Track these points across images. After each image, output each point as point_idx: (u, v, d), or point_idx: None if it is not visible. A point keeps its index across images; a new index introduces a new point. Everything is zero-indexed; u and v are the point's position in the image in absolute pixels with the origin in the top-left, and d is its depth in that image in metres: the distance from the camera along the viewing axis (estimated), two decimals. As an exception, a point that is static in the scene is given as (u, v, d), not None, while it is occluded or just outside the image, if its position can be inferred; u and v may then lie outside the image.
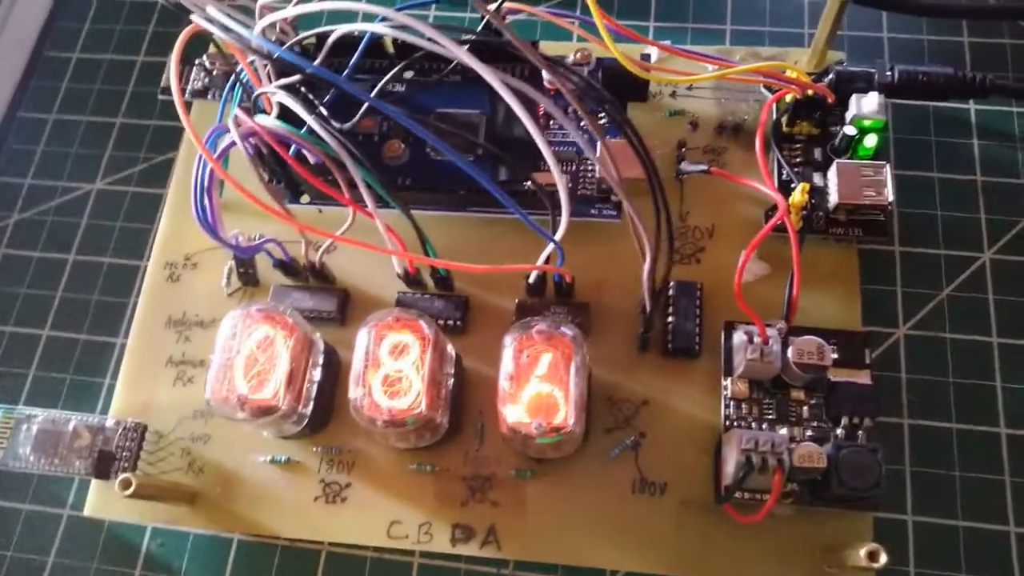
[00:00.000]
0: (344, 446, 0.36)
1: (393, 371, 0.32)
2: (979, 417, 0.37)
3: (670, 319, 0.36)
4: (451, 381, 0.34)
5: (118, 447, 0.36)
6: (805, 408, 0.34)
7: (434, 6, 0.45)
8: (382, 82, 0.37)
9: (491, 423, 0.36)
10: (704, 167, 0.39)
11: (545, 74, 0.34)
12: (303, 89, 0.33)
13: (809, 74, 0.39)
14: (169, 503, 0.35)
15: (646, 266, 0.32)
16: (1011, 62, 0.43)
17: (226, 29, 0.30)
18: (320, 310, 0.38)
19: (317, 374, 0.35)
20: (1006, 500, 0.36)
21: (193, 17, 0.31)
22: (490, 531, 0.35)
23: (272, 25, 0.31)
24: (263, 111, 0.33)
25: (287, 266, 0.38)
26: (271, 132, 0.32)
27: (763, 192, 0.36)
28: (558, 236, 0.33)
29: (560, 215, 0.32)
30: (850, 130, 0.37)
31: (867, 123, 0.36)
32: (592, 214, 0.38)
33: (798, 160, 0.39)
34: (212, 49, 0.42)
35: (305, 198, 0.39)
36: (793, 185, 0.37)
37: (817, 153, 0.39)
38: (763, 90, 0.40)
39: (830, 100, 0.38)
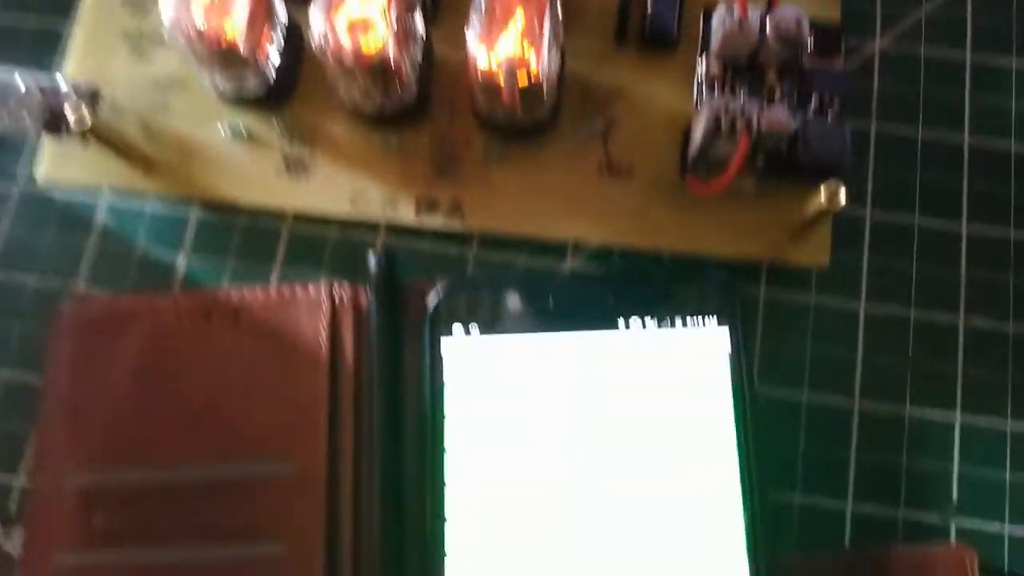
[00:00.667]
0: (307, 123, 0.36)
1: (359, 14, 0.31)
2: (945, 126, 0.37)
3: (649, 6, 0.35)
4: (421, 42, 0.33)
5: (70, 108, 0.34)
6: (777, 91, 0.34)
7: None
8: None
9: (461, 104, 0.35)
10: None
11: None
12: None
13: None
14: (125, 161, 0.34)
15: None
16: None
17: None
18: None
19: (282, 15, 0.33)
20: (961, 203, 0.36)
21: None
22: (455, 205, 0.34)
23: None
24: None
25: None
26: None
27: None
28: None
29: None
30: None
31: None
32: None
33: None
34: None
35: None
36: None
37: None
38: None
39: None
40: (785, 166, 0.33)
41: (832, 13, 0.36)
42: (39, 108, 0.33)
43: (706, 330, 0.31)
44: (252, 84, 0.33)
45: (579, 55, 0.36)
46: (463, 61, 0.32)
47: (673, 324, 0.31)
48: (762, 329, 0.34)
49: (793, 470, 0.33)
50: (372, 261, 0.32)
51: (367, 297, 0.33)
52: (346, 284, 0.33)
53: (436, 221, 0.34)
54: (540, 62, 0.30)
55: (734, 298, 0.31)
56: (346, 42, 0.30)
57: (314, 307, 0.33)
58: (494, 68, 0.30)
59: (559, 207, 0.34)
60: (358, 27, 0.31)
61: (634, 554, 0.29)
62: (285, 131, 0.35)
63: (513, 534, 0.29)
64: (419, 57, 0.33)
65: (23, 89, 0.33)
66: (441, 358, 0.31)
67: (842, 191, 0.29)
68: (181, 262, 0.36)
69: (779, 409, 0.33)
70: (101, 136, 0.32)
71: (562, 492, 0.29)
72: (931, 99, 0.37)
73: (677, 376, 0.30)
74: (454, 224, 0.34)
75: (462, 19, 0.32)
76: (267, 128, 0.35)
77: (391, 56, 0.31)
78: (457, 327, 0.31)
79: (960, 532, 0.32)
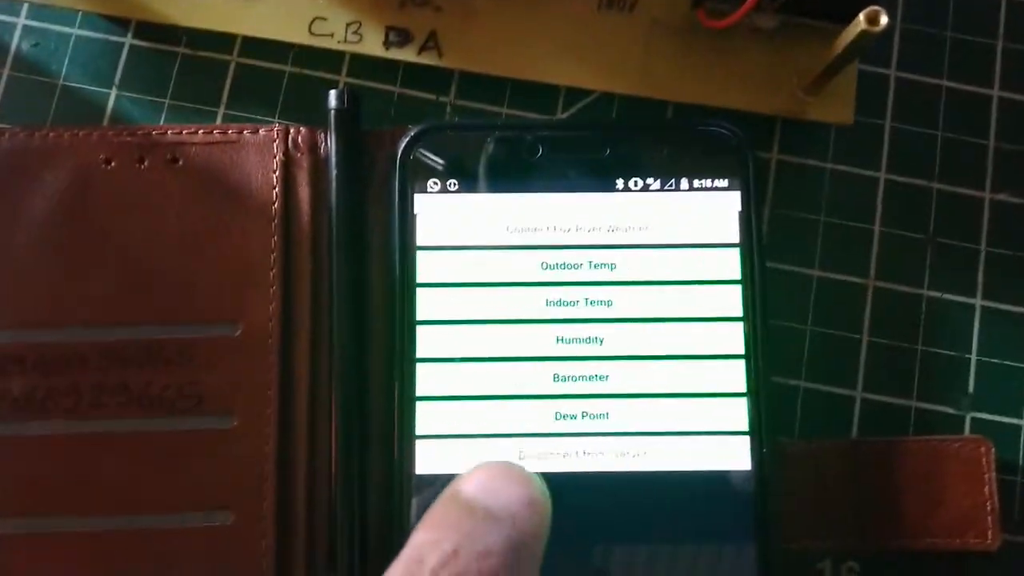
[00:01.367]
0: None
1: None
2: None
3: None
4: None
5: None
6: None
7: None
8: None
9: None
10: None
11: None
12: None
13: None
14: None
15: None
16: None
17: None
18: None
19: None
20: (995, 65, 0.32)
21: None
22: (431, 36, 0.29)
23: None
24: None
25: None
26: None
27: None
28: None
29: None
30: None
31: None
32: None
33: None
34: None
35: None
36: None
37: None
38: None
39: None
40: (808, 2, 0.28)
41: None
42: None
43: (714, 193, 0.27)
44: None
45: None
46: None
47: (678, 186, 0.27)
48: (772, 197, 0.30)
49: (800, 353, 0.29)
50: (332, 98, 0.28)
51: (326, 142, 0.28)
52: (303, 127, 0.28)
53: (408, 55, 0.29)
54: None
55: (747, 157, 0.27)
56: None
57: (265, 150, 0.28)
58: None
59: (551, 44, 0.29)
60: None
61: (629, 429, 0.26)
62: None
63: (492, 416, 0.25)
64: None
65: None
66: (414, 217, 0.26)
67: (883, 17, 0.24)
68: (111, 98, 0.30)
69: (787, 286, 0.30)
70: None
71: (547, 368, 0.26)
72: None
73: (680, 243, 0.27)
74: (429, 60, 0.29)
75: None
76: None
77: None
78: (432, 183, 0.27)
79: (976, 426, 0.29)
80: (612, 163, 0.27)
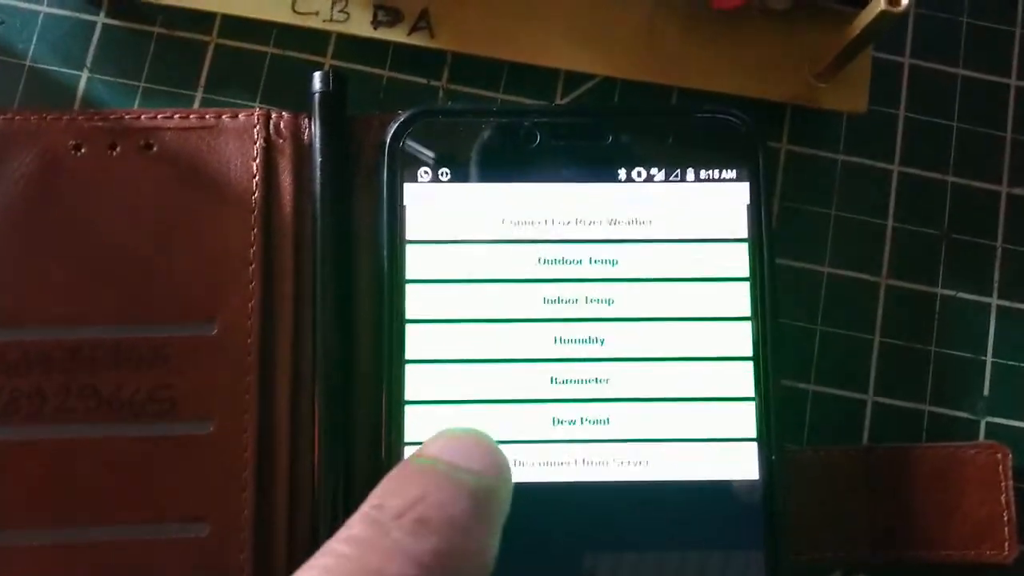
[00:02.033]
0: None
1: None
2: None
3: None
4: None
5: None
6: None
7: None
8: None
9: None
10: None
11: None
12: None
13: None
14: None
15: None
16: None
17: None
18: None
19: None
20: (1012, 54, 0.31)
21: None
22: (422, 15, 0.28)
23: None
24: None
25: None
26: None
27: None
28: None
29: None
30: None
31: None
32: None
33: None
34: None
35: None
36: None
37: None
38: None
39: None
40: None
41: None
42: None
43: (722, 185, 0.25)
44: None
45: None
46: None
47: (683, 177, 0.25)
48: (781, 190, 0.29)
49: (809, 354, 0.28)
50: (317, 81, 0.26)
51: (310, 127, 0.26)
52: (284, 112, 0.26)
53: (398, 35, 0.27)
54: None
55: (758, 146, 0.25)
56: None
57: (244, 136, 0.26)
58: None
59: (551, 26, 0.28)
60: None
61: (631, 435, 0.24)
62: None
63: (485, 421, 0.24)
64: None
65: None
66: (403, 208, 0.25)
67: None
68: (82, 81, 0.28)
69: (795, 283, 0.28)
70: None
71: (544, 370, 0.24)
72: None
73: (685, 238, 0.25)
74: (420, 40, 0.27)
75: None
76: None
77: None
78: (423, 171, 0.25)
79: (991, 431, 0.28)
80: (614, 152, 0.26)
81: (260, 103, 0.29)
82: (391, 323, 0.24)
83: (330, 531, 0.23)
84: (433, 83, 0.29)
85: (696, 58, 0.28)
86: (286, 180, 0.26)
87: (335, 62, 0.29)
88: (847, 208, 0.29)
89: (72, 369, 0.25)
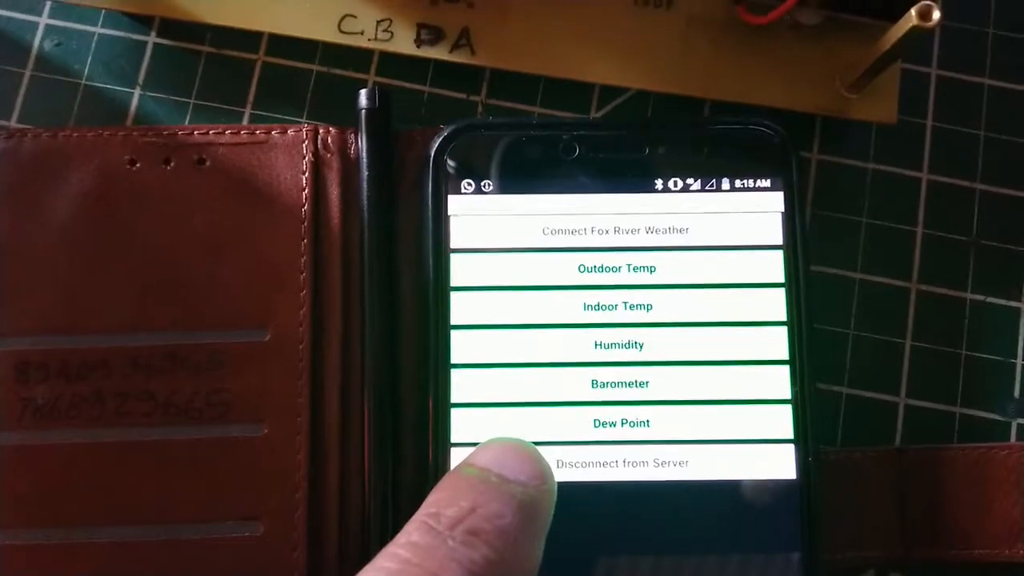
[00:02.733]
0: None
1: None
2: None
3: None
4: None
5: None
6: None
7: None
8: None
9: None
10: None
11: None
12: None
13: None
14: None
15: None
16: None
17: None
18: None
19: None
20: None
21: None
22: (463, 33, 0.28)
23: None
24: None
25: None
26: None
27: None
28: None
29: None
30: None
31: None
32: None
33: None
34: None
35: None
36: None
37: None
38: None
39: None
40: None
41: None
42: None
43: (756, 194, 0.26)
44: None
45: None
46: None
47: (719, 186, 0.26)
48: (813, 198, 0.29)
49: (842, 358, 0.28)
50: (363, 98, 0.27)
51: (357, 143, 0.27)
52: (332, 127, 0.27)
53: (440, 53, 0.28)
54: None
55: (791, 156, 0.26)
56: None
57: (294, 151, 0.27)
58: None
59: (586, 42, 0.29)
60: None
61: (670, 437, 0.25)
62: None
63: (528, 423, 0.25)
64: None
65: None
66: (448, 219, 0.26)
67: (935, 9, 0.23)
68: (134, 98, 0.30)
69: (828, 289, 0.29)
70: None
71: (585, 374, 0.25)
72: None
73: (721, 245, 0.26)
74: (461, 58, 0.28)
75: None
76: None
77: None
78: (466, 183, 0.26)
79: (1022, 433, 0.28)
80: (651, 163, 0.27)
81: (306, 118, 0.30)
82: (437, 329, 0.25)
83: (380, 529, 0.24)
84: (472, 98, 0.30)
85: (728, 71, 0.29)
86: (334, 193, 0.27)
87: (378, 78, 0.30)
88: (878, 215, 0.30)
89: (129, 375, 0.26)
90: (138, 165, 0.27)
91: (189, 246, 0.27)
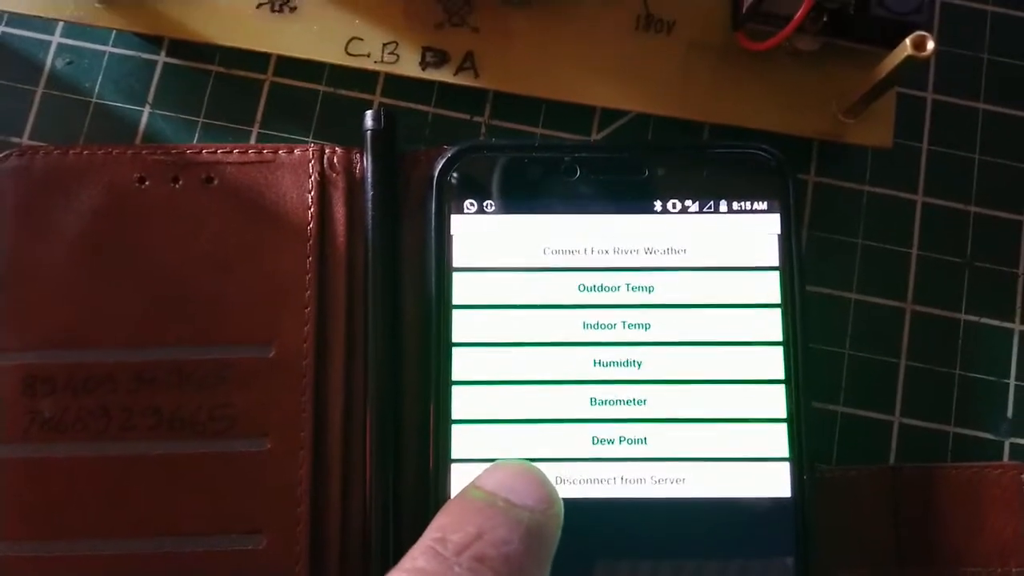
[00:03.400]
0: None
1: None
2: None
3: None
4: None
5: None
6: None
7: None
8: None
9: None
10: None
11: None
12: None
13: None
14: None
15: None
16: None
17: None
18: None
19: None
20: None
21: None
22: (467, 57, 0.29)
23: None
24: None
25: None
26: None
27: None
28: None
29: None
30: None
31: None
32: None
33: None
34: None
35: None
36: None
37: None
38: None
39: None
40: (849, 26, 0.28)
41: None
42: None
43: (754, 216, 0.26)
44: None
45: None
46: None
47: (717, 208, 0.26)
48: (809, 220, 0.30)
49: (837, 377, 0.29)
50: (369, 119, 0.28)
51: (362, 162, 0.28)
52: (338, 147, 0.28)
53: (445, 76, 0.29)
54: None
55: (788, 179, 0.27)
56: None
57: (300, 170, 0.28)
58: None
59: (588, 65, 0.29)
60: None
61: (668, 455, 0.25)
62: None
63: (528, 440, 0.25)
64: None
65: None
66: (450, 238, 0.26)
67: (930, 40, 0.24)
68: (144, 116, 0.30)
69: (824, 309, 0.29)
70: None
71: (584, 392, 0.25)
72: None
73: (719, 266, 0.26)
74: (466, 80, 0.29)
75: None
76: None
77: None
78: (469, 203, 0.26)
79: (1015, 452, 0.29)
80: (650, 185, 0.27)
81: (313, 137, 0.30)
82: (439, 346, 0.26)
83: (381, 543, 0.24)
84: (476, 119, 0.31)
85: (727, 96, 0.29)
86: (339, 211, 0.28)
87: (384, 99, 0.31)
88: (873, 237, 0.30)
89: (135, 389, 0.27)
90: (147, 183, 0.28)
91: (196, 263, 0.27)
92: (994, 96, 0.31)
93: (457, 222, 0.27)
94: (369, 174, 0.27)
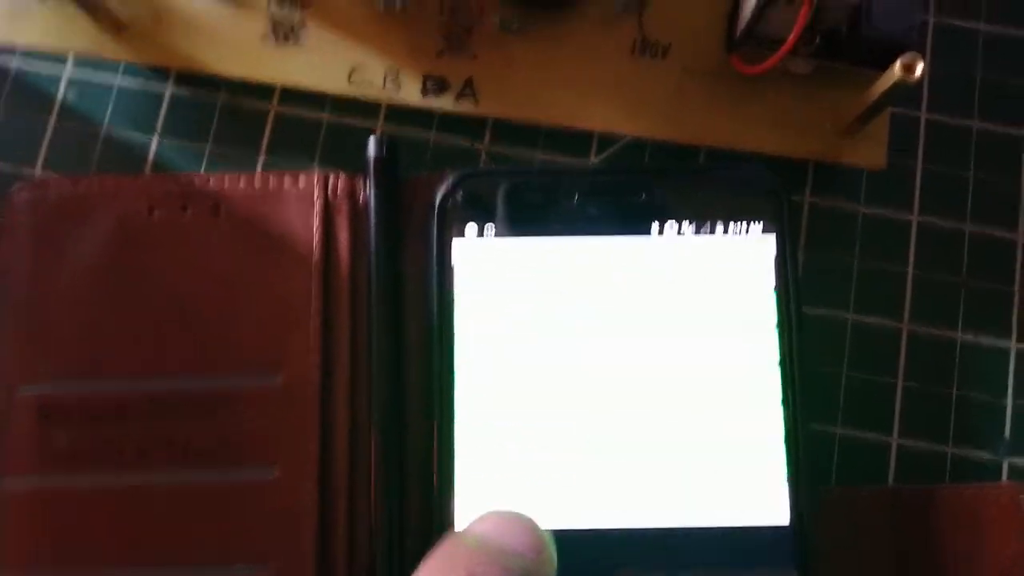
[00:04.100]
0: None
1: None
2: (1012, 19, 0.33)
3: None
4: None
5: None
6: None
7: None
8: None
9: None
10: None
11: None
12: None
13: None
14: (91, 23, 0.29)
15: None
16: None
17: None
18: None
19: None
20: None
21: None
22: (467, 84, 0.30)
23: None
24: None
25: None
26: None
27: None
28: None
29: None
30: None
31: None
32: None
33: None
34: None
35: None
36: None
37: None
38: None
39: None
40: (842, 48, 0.28)
41: None
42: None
43: (749, 237, 0.27)
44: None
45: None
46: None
47: (713, 230, 0.27)
48: (805, 240, 0.30)
49: (834, 398, 0.29)
50: (371, 147, 0.28)
51: (365, 189, 0.28)
52: (341, 174, 0.29)
53: (445, 103, 0.29)
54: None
55: (783, 201, 0.27)
56: None
57: (305, 199, 0.28)
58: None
59: (586, 91, 0.30)
60: None
61: (671, 477, 0.26)
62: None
63: (531, 465, 0.25)
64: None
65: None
66: (451, 263, 0.27)
67: (920, 62, 0.24)
68: (153, 145, 0.31)
69: (820, 330, 0.30)
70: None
71: (587, 417, 0.26)
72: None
73: (715, 288, 0.27)
74: (465, 107, 0.29)
75: None
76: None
77: None
78: (470, 227, 0.27)
79: (1013, 472, 0.29)
80: (648, 207, 0.28)
81: (317, 164, 0.31)
82: (441, 371, 0.26)
83: (387, 570, 0.24)
84: (476, 145, 0.31)
85: (723, 119, 0.30)
86: (343, 238, 0.28)
87: (386, 126, 0.31)
88: (869, 257, 0.31)
89: (147, 419, 0.27)
90: (156, 213, 0.28)
91: (205, 291, 0.28)
92: (987, 114, 0.32)
93: (458, 246, 0.27)
94: (372, 201, 0.28)
